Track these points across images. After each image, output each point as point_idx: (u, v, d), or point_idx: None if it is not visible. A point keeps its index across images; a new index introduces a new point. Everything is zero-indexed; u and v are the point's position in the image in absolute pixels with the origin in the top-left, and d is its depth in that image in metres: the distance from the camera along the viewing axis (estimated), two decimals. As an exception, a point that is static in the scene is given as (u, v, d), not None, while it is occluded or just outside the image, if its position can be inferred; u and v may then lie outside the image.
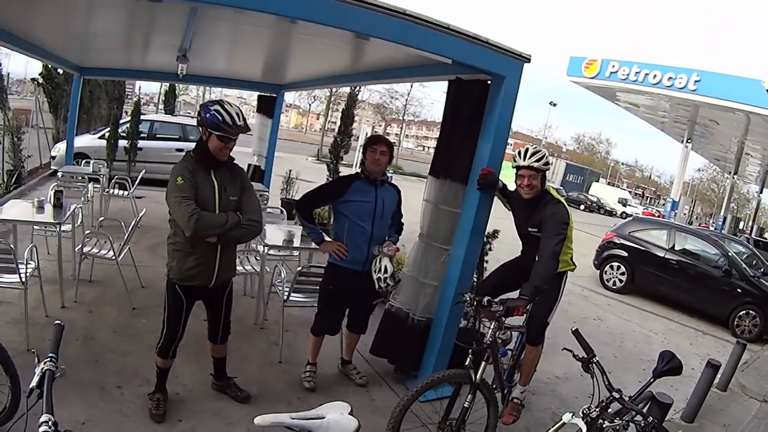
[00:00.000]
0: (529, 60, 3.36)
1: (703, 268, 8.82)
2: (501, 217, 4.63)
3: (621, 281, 9.57)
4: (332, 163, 8.82)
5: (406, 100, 36.51)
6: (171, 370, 3.11)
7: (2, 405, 2.50)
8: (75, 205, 5.08)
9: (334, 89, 30.06)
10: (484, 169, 3.46)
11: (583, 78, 17.36)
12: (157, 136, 11.15)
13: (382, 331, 4.00)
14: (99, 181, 7.46)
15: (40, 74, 11.05)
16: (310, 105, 47.82)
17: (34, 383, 1.43)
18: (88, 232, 4.71)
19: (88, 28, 5.06)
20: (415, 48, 3.18)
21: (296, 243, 4.61)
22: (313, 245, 3.61)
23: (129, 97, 18.75)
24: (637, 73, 15.82)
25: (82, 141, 10.14)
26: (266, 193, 7.73)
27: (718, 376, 5.14)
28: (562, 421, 2.25)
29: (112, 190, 7.56)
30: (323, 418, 1.60)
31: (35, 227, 5.13)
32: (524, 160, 3.15)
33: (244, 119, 2.74)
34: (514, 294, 3.03)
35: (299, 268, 3.95)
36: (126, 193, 7.51)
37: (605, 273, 9.78)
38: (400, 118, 41.13)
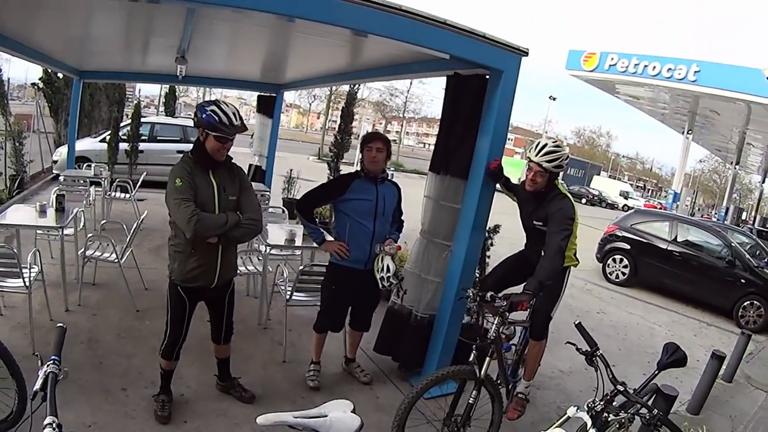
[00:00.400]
0: (527, 54, 3.35)
1: (706, 259, 8.79)
2: (503, 213, 4.64)
3: (624, 274, 9.55)
4: (333, 161, 8.82)
5: (406, 97, 36.46)
6: (175, 371, 3.11)
7: (9, 409, 2.51)
8: (77, 208, 5.10)
9: (334, 88, 30.03)
10: (493, 162, 3.43)
11: (582, 71, 17.31)
12: (158, 138, 11.17)
13: (385, 328, 4.00)
14: (101, 184, 7.49)
15: (40, 79, 11.06)
16: (310, 104, 47.79)
17: (37, 386, 1.44)
18: (90, 235, 4.72)
19: (87, 32, 5.06)
20: (412, 44, 3.17)
21: (298, 242, 4.61)
22: (315, 244, 3.62)
23: (130, 99, 18.77)
24: (636, 65, 15.76)
25: (84, 145, 10.16)
26: (267, 193, 7.74)
27: (724, 367, 5.13)
28: (566, 415, 2.23)
29: (114, 193, 7.57)
30: (326, 416, 1.59)
31: (38, 231, 5.14)
32: (536, 155, 3.10)
33: (241, 119, 2.74)
34: (518, 288, 3.02)
35: (301, 267, 3.95)
36: (128, 195, 7.53)
37: (608, 266, 9.75)
38: (401, 115, 41.05)
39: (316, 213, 3.66)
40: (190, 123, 11.46)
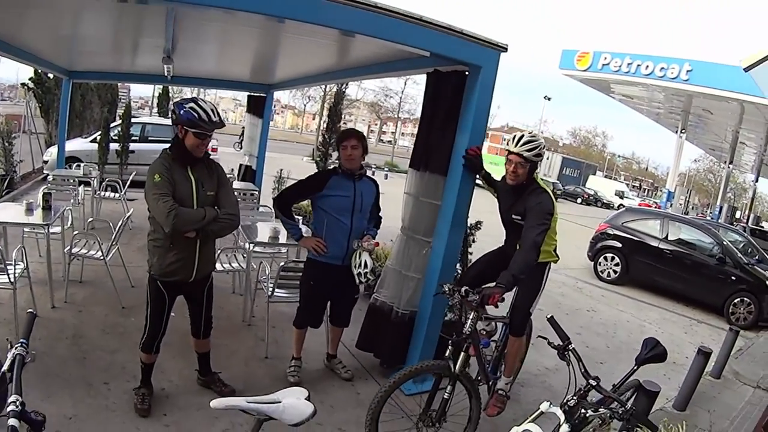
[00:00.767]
0: (505, 49, 3.36)
1: (697, 257, 8.83)
2: (485, 211, 4.65)
3: (615, 272, 9.58)
4: (321, 160, 8.82)
5: (401, 98, 36.48)
6: (158, 366, 3.15)
7: None
8: (64, 207, 5.11)
9: (327, 89, 30.01)
10: (473, 149, 3.42)
11: (575, 71, 17.40)
12: (150, 138, 11.15)
13: (367, 325, 4.01)
14: (90, 184, 7.49)
15: (30, 79, 11.05)
16: (305, 105, 47.83)
17: (5, 367, 1.49)
18: (76, 232, 4.73)
19: (74, 32, 5.06)
20: (393, 42, 3.18)
21: (282, 239, 4.62)
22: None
23: (123, 100, 18.74)
24: (629, 64, 15.86)
25: (74, 145, 10.15)
26: (256, 192, 7.74)
27: (712, 363, 5.15)
28: (539, 410, 2.22)
29: (103, 193, 7.60)
30: (279, 402, 1.61)
31: (26, 230, 5.16)
32: (515, 146, 3.10)
33: (219, 115, 2.79)
34: None
35: (282, 264, 3.96)
36: (117, 195, 7.54)
37: (599, 264, 9.79)
38: (396, 116, 41.08)
39: (300, 208, 3.67)
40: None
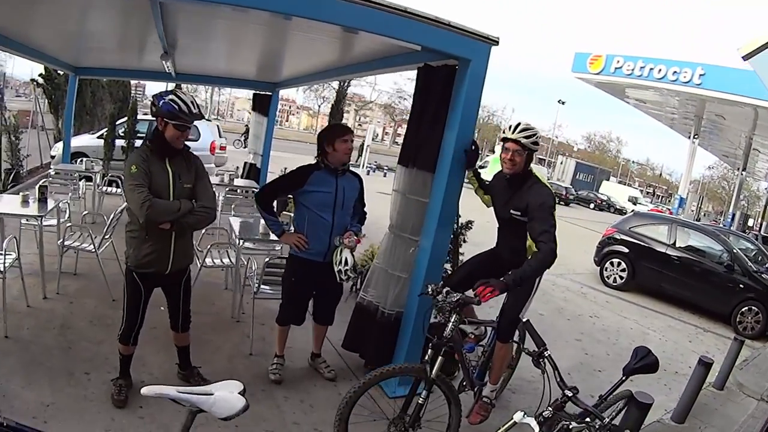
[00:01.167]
0: (497, 42, 3.28)
1: (705, 264, 8.61)
2: (474, 210, 4.56)
3: (621, 278, 9.39)
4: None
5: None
6: (140, 358, 3.16)
7: None
8: (62, 200, 5.15)
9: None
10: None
11: (588, 74, 17.20)
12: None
13: (353, 325, 3.95)
14: (92, 178, 7.57)
15: (40, 75, 11.20)
16: (319, 107, 48.05)
17: None
18: (69, 225, 4.76)
19: (78, 28, 5.11)
20: (386, 36, 3.14)
21: (273, 236, 4.58)
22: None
23: (140, 99, 18.95)
24: (642, 67, 15.64)
25: (81, 141, 10.25)
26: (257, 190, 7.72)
27: (715, 374, 4.98)
28: (512, 420, 2.12)
29: (106, 188, 7.68)
30: (211, 394, 1.58)
31: (23, 222, 5.20)
32: (512, 133, 3.04)
33: (199, 107, 2.81)
34: None
35: (266, 260, 3.93)
36: (119, 190, 7.60)
37: (605, 269, 9.60)
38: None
39: (286, 203, 3.64)
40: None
